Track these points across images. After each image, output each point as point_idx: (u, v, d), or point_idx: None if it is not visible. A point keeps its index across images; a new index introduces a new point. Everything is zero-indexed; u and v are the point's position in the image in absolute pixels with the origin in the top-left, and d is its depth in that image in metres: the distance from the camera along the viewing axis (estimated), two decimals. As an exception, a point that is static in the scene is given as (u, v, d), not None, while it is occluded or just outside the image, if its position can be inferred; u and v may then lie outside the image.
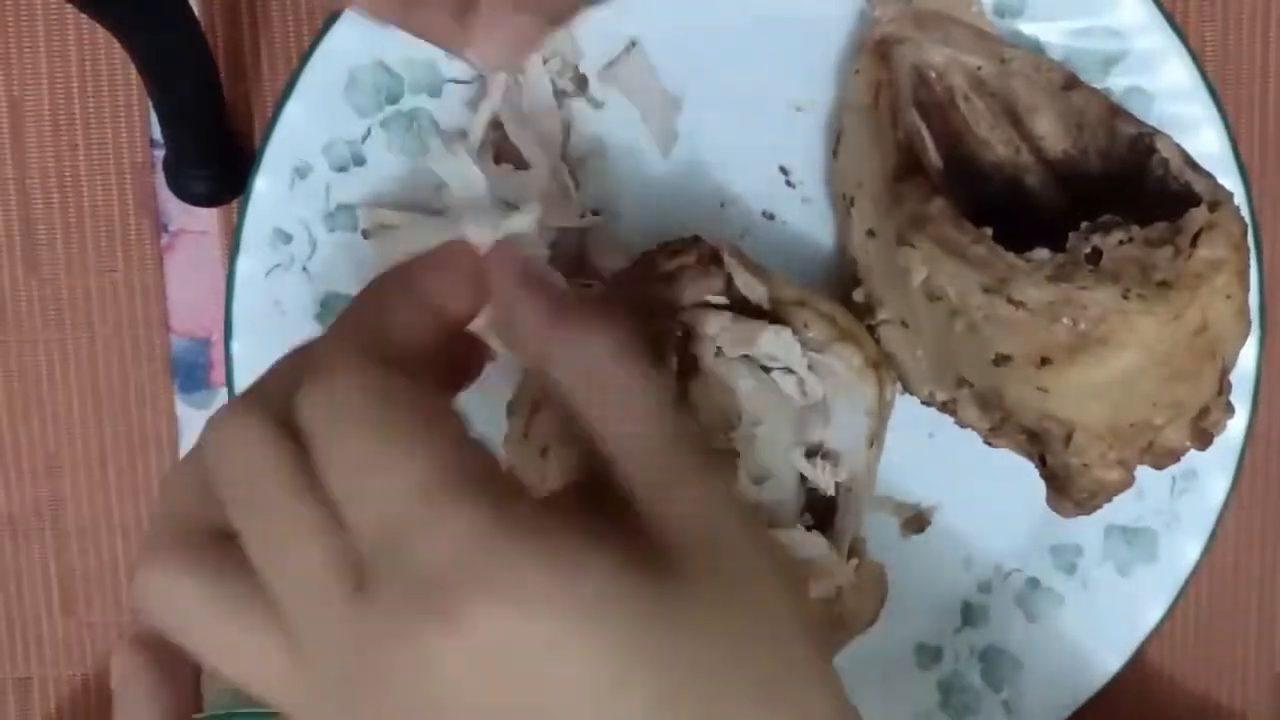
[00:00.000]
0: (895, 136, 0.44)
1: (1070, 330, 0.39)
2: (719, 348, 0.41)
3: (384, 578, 0.26)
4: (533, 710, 0.26)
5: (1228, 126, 0.46)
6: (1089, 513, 0.43)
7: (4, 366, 0.49)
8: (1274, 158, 0.49)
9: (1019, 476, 0.43)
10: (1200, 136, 0.46)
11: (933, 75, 0.44)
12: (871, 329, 0.44)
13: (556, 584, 0.26)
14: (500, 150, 0.46)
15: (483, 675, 0.25)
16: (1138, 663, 0.48)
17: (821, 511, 0.43)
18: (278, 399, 0.28)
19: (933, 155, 0.43)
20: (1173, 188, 0.41)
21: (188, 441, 0.49)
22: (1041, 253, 0.39)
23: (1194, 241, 0.39)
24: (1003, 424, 0.42)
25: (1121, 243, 0.39)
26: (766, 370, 0.42)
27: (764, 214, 0.47)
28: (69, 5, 0.39)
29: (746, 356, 0.41)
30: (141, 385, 0.49)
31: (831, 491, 0.43)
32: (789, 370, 0.42)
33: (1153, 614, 0.48)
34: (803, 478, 0.43)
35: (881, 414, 0.43)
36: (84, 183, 0.48)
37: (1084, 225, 0.39)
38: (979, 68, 0.43)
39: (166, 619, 0.29)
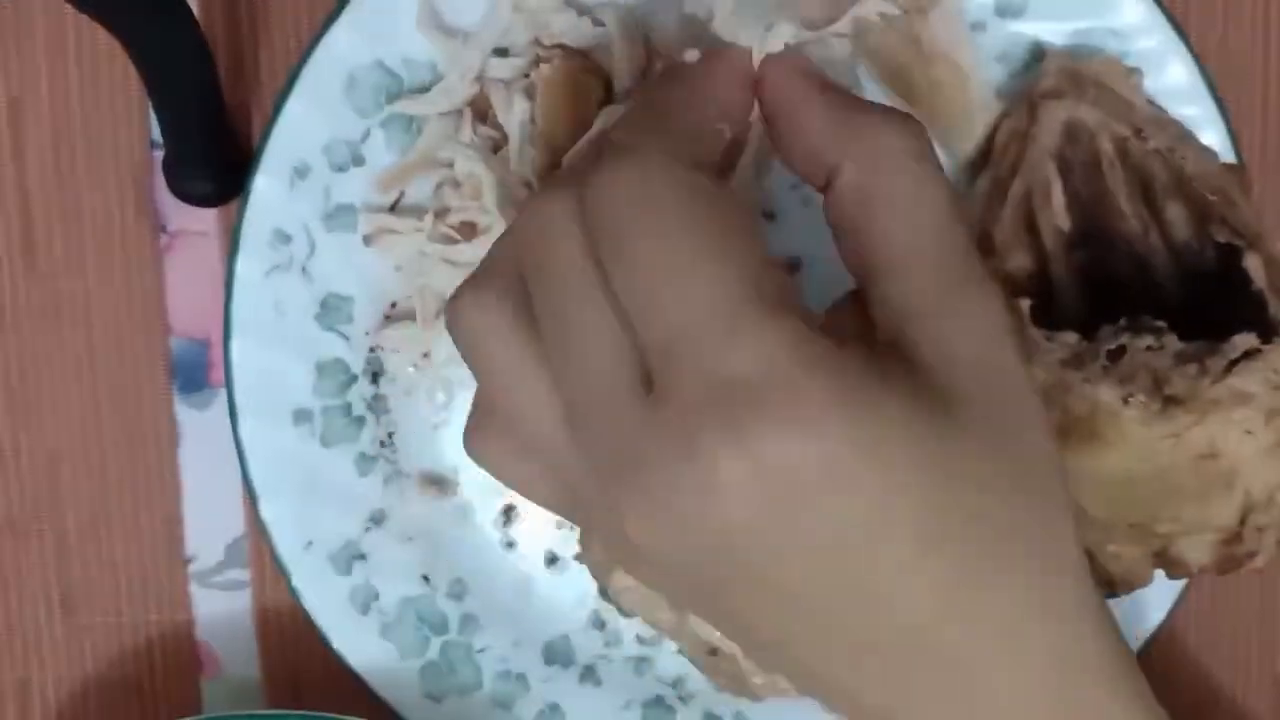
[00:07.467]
0: (1010, 188, 0.43)
1: (1063, 416, 0.38)
2: None
3: (677, 384, 0.26)
4: (802, 534, 0.26)
5: (1229, 127, 0.46)
6: (1105, 598, 0.42)
7: (4, 366, 0.49)
8: (1275, 158, 0.49)
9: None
10: (1201, 137, 0.46)
11: (1085, 135, 0.43)
12: None
13: (848, 418, 0.26)
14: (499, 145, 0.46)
15: (762, 493, 0.26)
16: (1138, 663, 0.48)
17: None
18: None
19: (1059, 212, 0.43)
20: (1254, 305, 0.40)
21: (188, 442, 0.49)
22: (1069, 336, 0.39)
23: (1229, 367, 0.38)
24: None
25: (1150, 348, 0.38)
26: None
27: (764, 214, 0.47)
28: (69, 5, 0.39)
29: None
30: (141, 386, 0.49)
31: None
32: None
33: (1153, 615, 0.48)
34: None
35: None
36: (83, 183, 0.48)
37: (1121, 321, 0.39)
38: (1126, 139, 0.43)
39: (471, 344, 0.30)
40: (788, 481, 0.26)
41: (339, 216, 0.46)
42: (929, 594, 0.27)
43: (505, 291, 0.29)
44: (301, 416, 0.46)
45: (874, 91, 0.46)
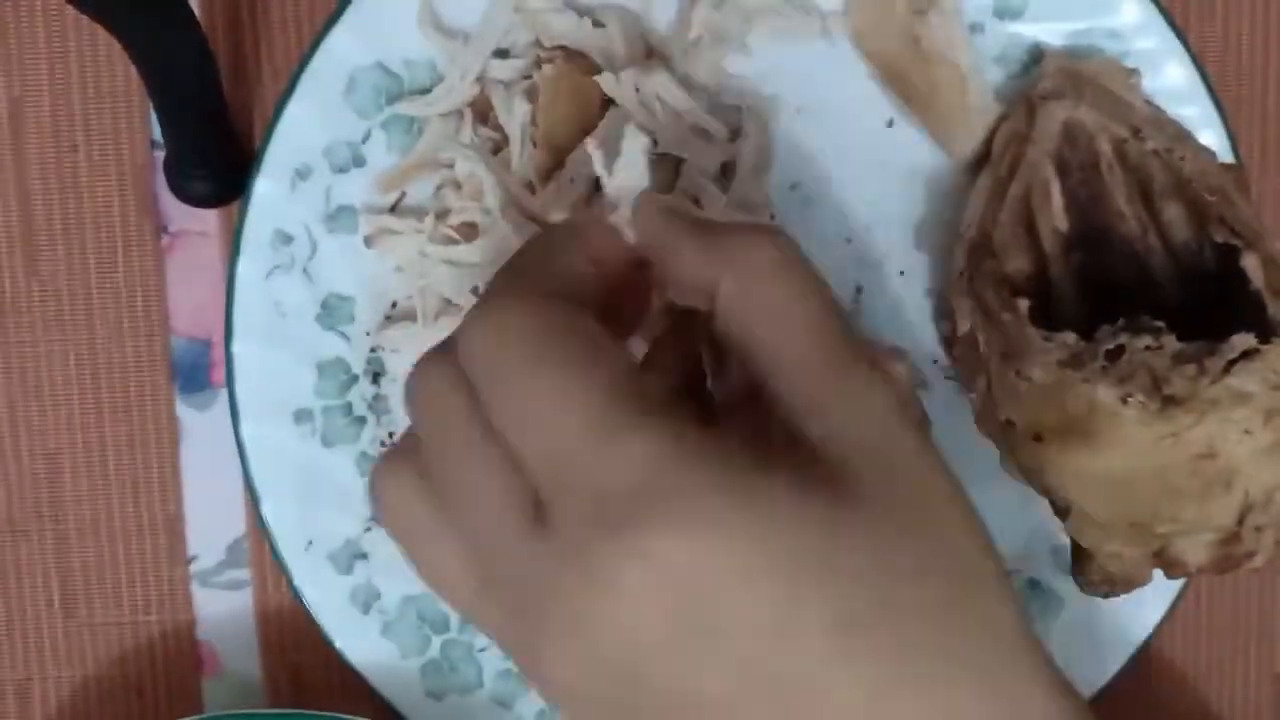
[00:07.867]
0: (1009, 189, 0.43)
1: (1061, 415, 0.38)
2: None
3: (562, 507, 0.27)
4: (709, 632, 0.26)
5: (1227, 127, 0.46)
6: (1104, 597, 0.42)
7: (4, 367, 0.49)
8: (1274, 158, 0.49)
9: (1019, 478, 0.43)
10: (1199, 137, 0.46)
11: (1083, 137, 0.43)
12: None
13: (734, 510, 0.26)
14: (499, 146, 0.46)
15: (661, 599, 0.26)
16: (1138, 663, 0.48)
17: None
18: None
19: (1058, 214, 0.43)
20: (1253, 305, 0.40)
21: (188, 442, 0.49)
22: (1068, 337, 0.39)
23: (1227, 368, 0.37)
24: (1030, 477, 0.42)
25: (1148, 348, 0.38)
26: None
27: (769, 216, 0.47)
28: (69, 6, 0.39)
29: None
30: (142, 386, 0.49)
31: None
32: None
33: (1153, 614, 0.48)
34: None
35: None
36: (84, 183, 0.48)
37: (1120, 321, 0.39)
38: (1124, 140, 0.43)
39: (388, 517, 0.30)
40: (687, 580, 0.26)
41: (340, 218, 0.46)
42: (853, 688, 0.27)
43: (415, 461, 0.30)
44: (302, 416, 0.47)
45: (874, 91, 0.46)
